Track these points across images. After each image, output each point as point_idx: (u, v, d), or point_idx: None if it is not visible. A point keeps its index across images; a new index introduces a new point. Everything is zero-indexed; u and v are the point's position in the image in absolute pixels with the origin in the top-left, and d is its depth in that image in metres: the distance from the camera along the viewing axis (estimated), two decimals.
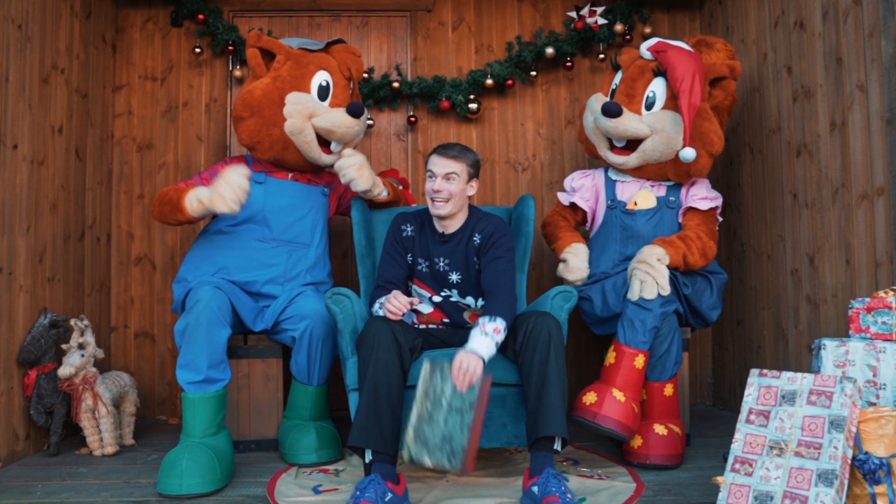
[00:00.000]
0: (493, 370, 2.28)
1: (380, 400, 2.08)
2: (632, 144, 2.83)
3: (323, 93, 2.83)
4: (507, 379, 2.31)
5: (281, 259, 2.78)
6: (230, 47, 3.55)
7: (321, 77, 2.82)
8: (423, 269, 2.53)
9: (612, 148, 2.90)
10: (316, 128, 2.77)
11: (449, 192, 2.39)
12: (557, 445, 2.12)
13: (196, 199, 2.59)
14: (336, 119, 2.78)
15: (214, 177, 2.76)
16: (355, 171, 2.75)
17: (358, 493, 1.96)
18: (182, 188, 2.70)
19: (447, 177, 2.38)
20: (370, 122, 3.62)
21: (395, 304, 2.23)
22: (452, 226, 2.50)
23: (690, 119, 2.62)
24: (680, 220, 2.85)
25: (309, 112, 2.76)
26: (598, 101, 2.93)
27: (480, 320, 2.19)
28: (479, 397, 2.03)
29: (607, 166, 3.03)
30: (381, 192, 2.89)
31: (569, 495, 1.96)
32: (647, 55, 2.85)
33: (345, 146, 2.88)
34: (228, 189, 2.54)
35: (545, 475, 2.01)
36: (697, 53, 2.77)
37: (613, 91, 2.94)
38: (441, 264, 2.50)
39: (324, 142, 2.84)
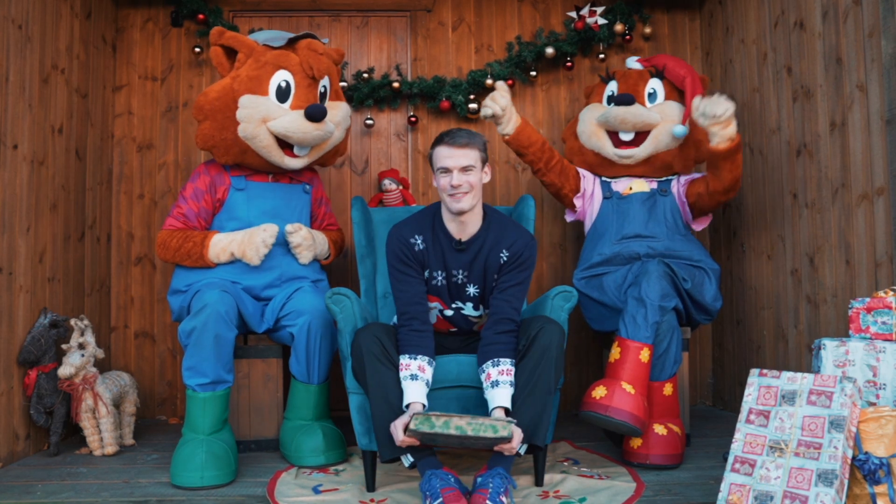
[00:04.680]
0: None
1: (391, 407, 2.08)
2: (638, 138, 2.98)
3: (282, 94, 2.71)
4: None
5: (275, 262, 2.77)
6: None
7: (280, 77, 2.70)
8: (440, 283, 2.30)
9: (619, 145, 3.01)
10: (272, 131, 2.66)
11: (469, 184, 2.16)
12: (522, 449, 2.10)
13: (223, 253, 2.69)
14: (291, 124, 2.64)
15: (200, 198, 2.77)
16: (303, 248, 2.78)
17: (429, 492, 1.95)
18: (188, 233, 2.72)
19: (465, 170, 2.15)
20: (369, 121, 3.62)
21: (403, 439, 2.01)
22: (469, 228, 2.25)
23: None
24: (686, 198, 2.95)
25: (262, 116, 2.64)
26: (594, 109, 3.10)
27: (487, 368, 2.13)
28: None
29: (599, 174, 3.11)
30: (326, 256, 2.95)
31: (501, 498, 1.93)
32: (637, 66, 3.13)
33: (311, 151, 2.79)
34: (261, 247, 2.67)
35: (493, 472, 2.01)
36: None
37: (609, 98, 3.10)
38: (459, 276, 2.29)
39: (287, 144, 2.73)
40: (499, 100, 2.71)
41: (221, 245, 2.68)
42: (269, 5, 3.70)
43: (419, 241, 2.27)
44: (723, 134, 2.64)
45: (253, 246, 2.65)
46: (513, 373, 2.13)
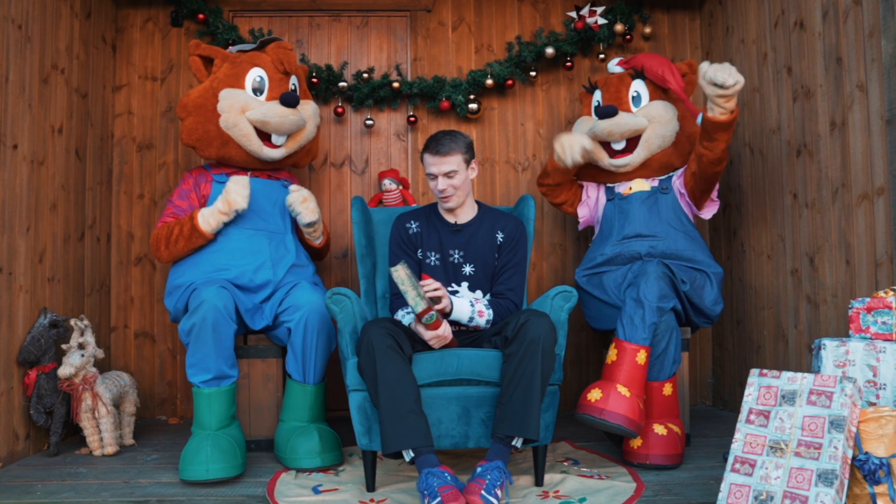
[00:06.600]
0: (491, 370, 2.28)
1: (400, 401, 2.09)
2: (630, 145, 2.95)
3: (258, 88, 2.91)
4: None
5: (263, 245, 2.82)
6: (230, 47, 3.55)
7: (255, 74, 2.91)
8: (434, 263, 2.50)
9: (613, 155, 3.00)
10: (250, 120, 2.83)
11: (453, 187, 2.44)
12: (517, 442, 2.14)
13: (212, 215, 2.73)
14: (268, 110, 2.82)
15: (186, 197, 2.88)
16: (299, 203, 2.81)
17: (426, 491, 1.96)
18: (178, 221, 2.78)
19: (448, 175, 2.42)
20: (369, 121, 3.63)
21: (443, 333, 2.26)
22: (464, 216, 2.54)
23: (683, 92, 2.89)
24: (685, 187, 2.92)
25: (241, 106, 2.83)
26: (584, 122, 3.11)
27: (478, 299, 2.42)
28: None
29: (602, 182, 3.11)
30: (319, 236, 2.97)
31: (496, 491, 1.97)
32: (618, 69, 3.10)
33: (288, 139, 2.94)
34: (239, 188, 2.73)
35: (492, 464, 2.05)
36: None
37: (597, 107, 3.08)
38: (456, 256, 2.50)
39: (265, 136, 2.89)
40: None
41: (208, 211, 2.75)
42: (269, 5, 3.70)
43: (414, 226, 2.55)
44: (726, 106, 2.57)
45: (232, 193, 2.73)
46: (483, 306, 2.38)
